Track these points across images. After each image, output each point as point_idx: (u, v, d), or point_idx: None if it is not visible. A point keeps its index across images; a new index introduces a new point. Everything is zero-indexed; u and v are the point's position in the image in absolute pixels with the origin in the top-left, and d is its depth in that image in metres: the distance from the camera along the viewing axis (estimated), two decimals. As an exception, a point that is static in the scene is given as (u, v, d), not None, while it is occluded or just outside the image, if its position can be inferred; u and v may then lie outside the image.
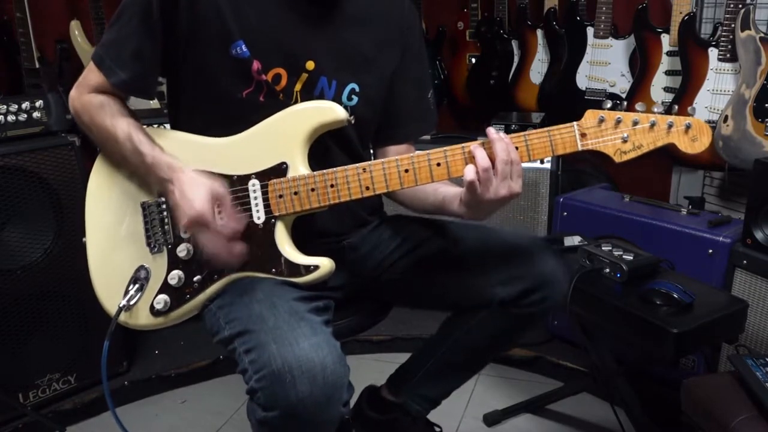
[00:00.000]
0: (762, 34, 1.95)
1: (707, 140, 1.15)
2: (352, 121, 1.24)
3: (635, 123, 1.16)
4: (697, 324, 1.50)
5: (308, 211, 1.22)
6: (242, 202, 1.22)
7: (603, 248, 1.77)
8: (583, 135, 1.17)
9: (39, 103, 1.92)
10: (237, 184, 1.22)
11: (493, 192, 1.14)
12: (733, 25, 2.03)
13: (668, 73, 2.30)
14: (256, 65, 1.24)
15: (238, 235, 1.17)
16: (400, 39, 1.39)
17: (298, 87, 1.28)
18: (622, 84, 2.48)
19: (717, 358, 1.90)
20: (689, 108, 1.18)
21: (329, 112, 1.22)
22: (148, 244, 1.27)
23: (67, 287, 1.96)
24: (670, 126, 1.15)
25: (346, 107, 1.25)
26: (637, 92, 2.37)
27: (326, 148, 1.30)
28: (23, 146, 1.86)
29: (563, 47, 2.61)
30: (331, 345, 1.06)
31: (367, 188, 1.21)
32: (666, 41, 2.28)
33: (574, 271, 1.66)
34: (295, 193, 1.21)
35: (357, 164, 1.21)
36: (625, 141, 1.16)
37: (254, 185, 1.22)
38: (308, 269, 1.20)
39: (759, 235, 1.76)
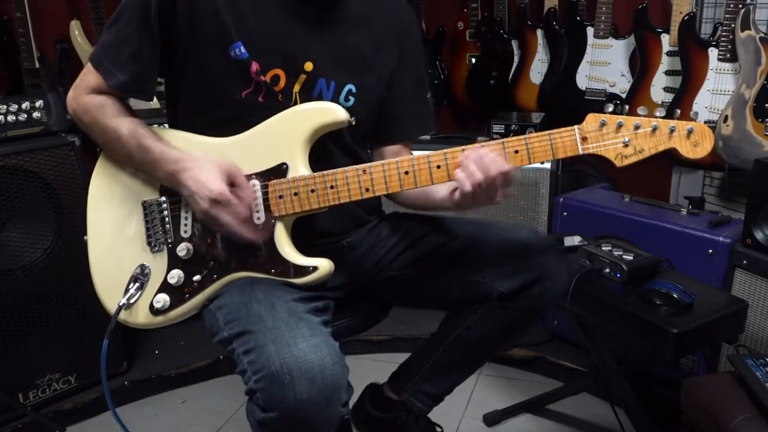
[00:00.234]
0: (762, 34, 1.95)
1: (709, 145, 1.14)
2: (353, 122, 1.25)
3: (637, 127, 1.15)
4: (697, 324, 1.50)
5: (308, 212, 1.23)
6: None
7: (603, 248, 1.77)
8: (584, 139, 1.17)
9: (39, 103, 1.92)
10: None
11: (487, 200, 1.17)
12: (733, 25, 2.03)
13: (668, 73, 2.30)
14: (254, 66, 1.24)
15: (255, 207, 1.18)
16: (397, 40, 1.40)
17: (296, 88, 1.28)
18: (622, 84, 2.48)
19: (717, 358, 1.90)
20: (692, 113, 1.18)
21: (330, 113, 1.22)
22: (149, 243, 1.27)
23: (67, 287, 1.96)
24: (672, 130, 1.14)
25: (343, 108, 1.25)
26: (637, 92, 2.37)
27: (324, 148, 1.30)
28: (23, 146, 1.86)
29: (563, 47, 2.62)
30: (330, 345, 1.07)
31: (367, 190, 1.21)
32: (666, 41, 2.28)
33: (574, 271, 1.66)
34: (295, 194, 1.21)
35: (357, 166, 1.21)
36: (626, 145, 1.15)
37: (254, 185, 1.22)
38: (307, 270, 1.20)
39: (759, 235, 1.76)
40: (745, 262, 1.79)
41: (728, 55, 2.09)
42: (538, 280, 1.31)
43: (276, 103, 1.26)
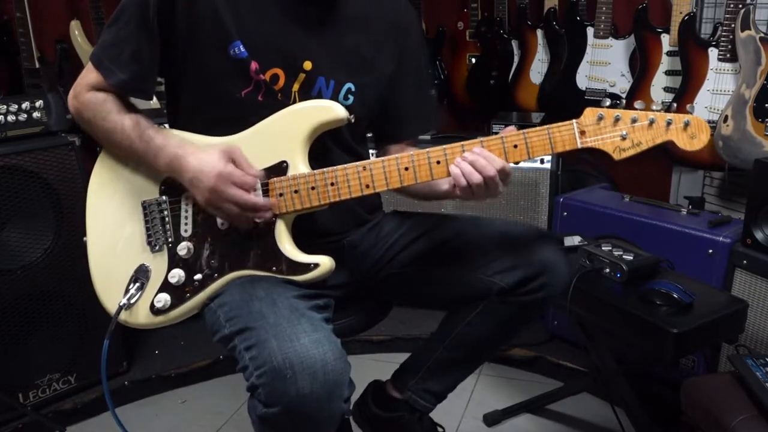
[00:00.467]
0: (762, 34, 1.95)
1: (706, 137, 1.16)
2: (352, 120, 1.25)
3: (634, 120, 1.16)
4: (697, 324, 1.50)
5: (309, 210, 1.23)
6: None
7: (603, 248, 1.77)
8: (582, 132, 1.18)
9: (39, 103, 1.92)
10: None
11: (488, 195, 1.19)
12: (733, 25, 2.03)
13: (668, 73, 2.30)
14: (254, 65, 1.24)
15: (257, 186, 1.19)
16: (397, 40, 1.40)
17: (296, 87, 1.28)
18: (622, 84, 2.48)
19: (717, 358, 1.90)
20: (688, 106, 1.18)
21: (329, 111, 1.22)
22: (149, 243, 1.27)
23: (67, 287, 1.96)
24: (669, 123, 1.16)
25: (342, 106, 1.25)
26: (637, 92, 2.37)
27: (324, 146, 1.30)
28: (23, 146, 1.86)
29: (563, 47, 2.62)
30: (331, 341, 1.07)
31: (367, 186, 1.21)
32: (666, 41, 2.28)
33: (574, 271, 1.66)
34: (296, 192, 1.21)
35: (357, 162, 1.21)
36: (624, 138, 1.17)
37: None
38: (308, 267, 1.20)
39: (759, 235, 1.76)
40: (745, 262, 1.79)
41: (728, 55, 2.09)
42: (538, 274, 1.32)
43: (275, 102, 1.26)
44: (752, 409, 1.37)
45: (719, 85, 2.12)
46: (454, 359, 1.48)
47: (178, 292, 1.25)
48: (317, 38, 1.29)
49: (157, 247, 1.26)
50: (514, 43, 2.87)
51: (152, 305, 1.25)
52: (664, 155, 2.34)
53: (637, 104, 1.18)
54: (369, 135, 1.50)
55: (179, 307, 1.25)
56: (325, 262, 1.21)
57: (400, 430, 1.52)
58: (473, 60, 3.04)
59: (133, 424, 1.97)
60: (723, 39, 2.08)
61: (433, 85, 1.56)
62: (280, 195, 1.21)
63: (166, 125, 1.36)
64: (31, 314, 1.91)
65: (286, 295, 1.16)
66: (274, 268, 1.22)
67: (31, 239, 1.90)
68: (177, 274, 1.24)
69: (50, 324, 1.96)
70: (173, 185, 1.25)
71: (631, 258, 1.71)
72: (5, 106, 1.85)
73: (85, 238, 1.31)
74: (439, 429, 1.61)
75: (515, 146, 1.18)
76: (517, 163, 1.23)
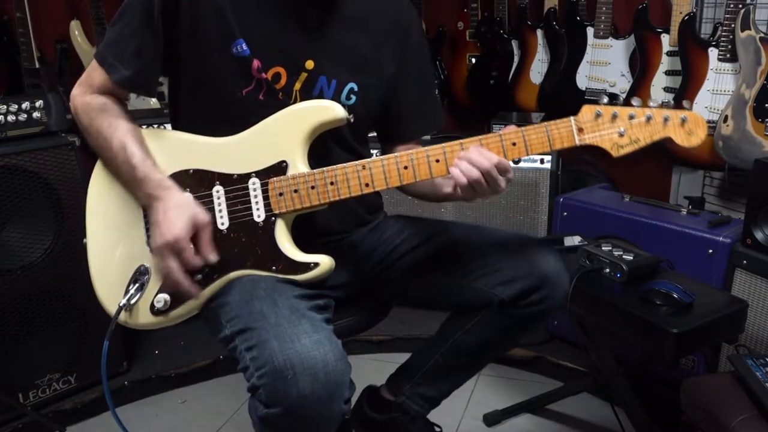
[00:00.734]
0: (762, 34, 1.95)
1: (703, 133, 1.16)
2: (352, 120, 1.25)
3: (631, 117, 1.17)
4: (697, 324, 1.50)
5: (308, 209, 1.23)
6: (242, 200, 1.22)
7: (603, 248, 1.77)
8: (580, 129, 1.19)
9: (39, 103, 1.92)
10: (237, 182, 1.23)
11: (491, 191, 1.18)
12: (733, 25, 2.03)
13: (668, 73, 2.30)
14: (256, 64, 1.24)
15: (199, 268, 1.18)
16: (399, 40, 1.40)
17: (297, 86, 1.28)
18: (622, 84, 2.48)
19: (717, 358, 1.90)
20: (685, 101, 1.19)
21: (329, 111, 1.22)
22: (149, 244, 1.27)
23: (67, 287, 1.96)
24: (666, 120, 1.16)
25: (344, 106, 1.26)
26: (637, 92, 2.37)
27: (324, 146, 1.30)
28: (23, 146, 1.86)
29: (563, 47, 2.61)
30: (332, 342, 1.07)
31: (367, 185, 1.21)
32: (666, 41, 2.28)
33: (574, 271, 1.66)
34: (295, 191, 1.21)
35: (356, 161, 1.21)
36: (621, 135, 1.17)
37: (254, 184, 1.22)
38: (308, 267, 1.20)
39: (759, 235, 1.76)
40: (745, 262, 1.79)
41: (728, 55, 2.09)
42: (538, 286, 1.31)
43: (276, 101, 1.27)
44: (752, 409, 1.37)
45: (719, 85, 2.12)
46: (450, 366, 1.47)
47: (178, 293, 1.25)
48: (319, 38, 1.30)
49: None
50: (514, 43, 2.87)
51: (152, 306, 1.25)
52: (664, 155, 2.34)
53: (635, 101, 1.18)
54: (371, 135, 1.50)
55: (179, 308, 1.25)
56: (324, 261, 1.21)
57: (394, 431, 1.52)
58: (473, 60, 3.04)
59: (133, 424, 1.97)
60: (723, 39, 2.08)
61: (435, 85, 1.56)
62: (280, 194, 1.21)
63: (168, 126, 1.36)
64: (31, 314, 1.91)
65: (286, 295, 1.16)
66: (273, 267, 1.21)
67: (31, 239, 1.90)
68: None
69: (50, 324, 1.96)
70: None
71: (631, 258, 1.71)
72: (5, 106, 1.85)
73: (84, 240, 1.31)
74: (436, 429, 1.61)
75: (514, 144, 1.19)
76: (516, 162, 1.24)
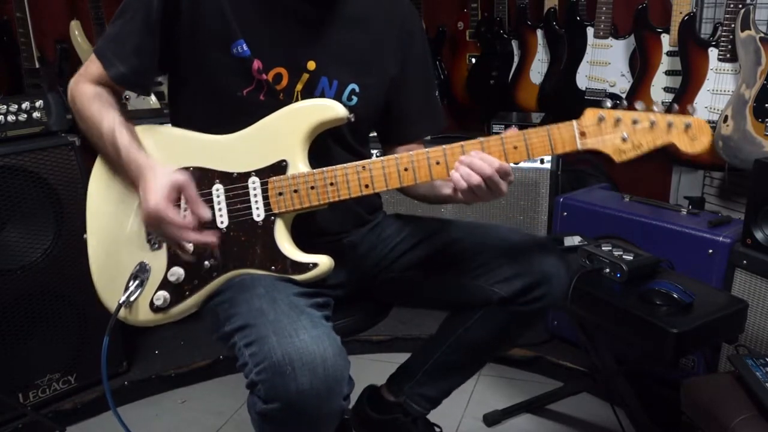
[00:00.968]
0: (762, 34, 1.95)
1: (707, 140, 1.15)
2: (353, 119, 1.25)
3: (635, 122, 1.15)
4: (697, 324, 1.50)
5: (308, 209, 1.23)
6: (242, 199, 1.22)
7: (603, 248, 1.77)
8: (582, 134, 1.17)
9: (39, 103, 1.92)
10: (237, 181, 1.23)
11: (492, 195, 1.18)
12: (733, 25, 2.03)
13: (668, 73, 2.30)
14: (256, 64, 1.24)
15: (205, 223, 1.16)
16: (401, 43, 1.40)
17: (299, 87, 1.28)
18: (622, 84, 2.48)
19: (717, 358, 1.90)
20: (689, 106, 1.18)
21: (329, 110, 1.22)
22: (149, 241, 1.27)
23: (66, 287, 1.96)
24: (670, 125, 1.15)
25: (345, 107, 1.26)
26: (637, 92, 2.37)
27: (324, 145, 1.30)
28: (23, 146, 1.86)
29: (563, 47, 2.61)
30: (331, 338, 1.07)
31: (367, 186, 1.21)
32: (666, 41, 2.28)
33: (574, 271, 1.66)
34: (295, 191, 1.21)
35: (356, 162, 1.21)
36: (624, 140, 1.16)
37: (254, 183, 1.22)
38: (307, 267, 1.21)
39: (759, 235, 1.76)
40: (745, 262, 1.79)
41: (728, 55, 2.09)
42: (538, 283, 1.31)
43: (277, 101, 1.27)
44: (752, 409, 1.37)
45: (719, 85, 2.12)
46: (451, 364, 1.47)
47: (178, 290, 1.25)
48: (321, 38, 1.30)
49: (156, 245, 1.26)
50: (514, 43, 2.87)
51: (152, 303, 1.25)
52: (664, 155, 2.33)
53: (638, 105, 1.17)
54: (372, 135, 1.50)
55: (178, 305, 1.25)
56: (324, 262, 1.21)
57: (395, 431, 1.52)
58: (473, 60, 3.04)
59: (133, 424, 1.95)
60: (723, 39, 2.08)
61: (437, 86, 1.55)
62: (279, 194, 1.21)
63: (169, 125, 1.36)
64: (31, 314, 1.91)
65: (285, 293, 1.16)
66: (273, 267, 1.22)
67: (31, 239, 1.90)
68: (176, 273, 1.24)
69: (50, 324, 1.96)
70: None
71: (631, 258, 1.71)
72: (5, 106, 1.85)
73: (85, 236, 1.32)
74: (436, 429, 1.61)
75: (515, 147, 1.18)
76: (516, 162, 1.23)
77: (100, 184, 1.32)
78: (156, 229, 1.16)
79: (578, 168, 2.58)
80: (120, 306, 1.25)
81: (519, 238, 1.40)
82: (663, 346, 1.48)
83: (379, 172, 1.20)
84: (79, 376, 2.04)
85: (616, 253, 1.74)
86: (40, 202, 1.90)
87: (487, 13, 2.96)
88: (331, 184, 1.21)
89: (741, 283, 1.81)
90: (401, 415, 1.51)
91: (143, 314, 1.26)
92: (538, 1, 2.74)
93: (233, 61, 1.24)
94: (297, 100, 1.28)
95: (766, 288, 1.76)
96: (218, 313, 1.19)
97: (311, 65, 1.28)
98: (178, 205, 1.16)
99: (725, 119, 2.03)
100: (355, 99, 1.33)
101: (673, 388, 1.80)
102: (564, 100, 2.62)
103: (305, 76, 1.28)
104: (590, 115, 1.17)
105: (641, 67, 2.36)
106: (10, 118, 1.86)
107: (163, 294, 1.25)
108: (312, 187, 1.21)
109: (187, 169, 1.24)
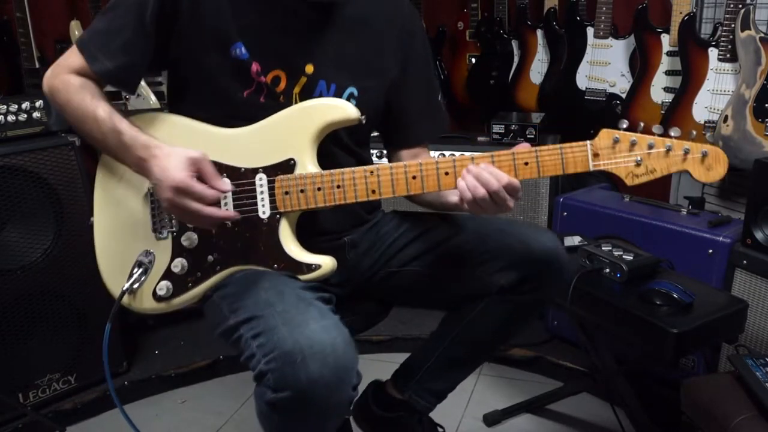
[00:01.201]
0: (762, 34, 1.95)
1: (723, 170, 1.13)
2: (364, 121, 1.24)
3: (650, 147, 1.13)
4: (697, 324, 1.50)
5: (312, 210, 1.23)
6: (248, 195, 1.22)
7: (603, 248, 1.77)
8: (595, 155, 1.15)
9: (39, 103, 1.92)
10: (244, 176, 1.23)
11: (498, 209, 1.17)
12: (733, 25, 2.03)
13: (668, 73, 2.30)
14: (255, 67, 1.24)
15: (223, 197, 1.16)
16: (401, 45, 1.40)
17: (296, 90, 1.28)
18: (622, 84, 2.48)
19: (717, 358, 1.90)
20: (708, 135, 1.15)
21: (340, 110, 1.22)
22: (154, 230, 1.28)
23: (66, 287, 1.96)
24: (687, 152, 1.13)
25: None
26: (637, 92, 2.37)
27: (325, 148, 1.30)
28: (23, 146, 1.86)
29: (563, 47, 2.62)
30: (340, 328, 1.07)
31: (374, 191, 1.21)
32: (666, 41, 2.28)
33: (574, 271, 1.66)
34: (302, 191, 1.21)
35: (365, 167, 1.21)
36: (638, 164, 1.14)
37: (261, 179, 1.22)
38: (310, 268, 1.21)
39: (759, 235, 1.76)
40: (745, 262, 1.79)
41: (728, 55, 2.09)
42: (537, 272, 1.31)
43: (277, 104, 1.26)
44: (752, 409, 1.37)
45: (719, 85, 2.12)
46: (454, 358, 1.48)
47: (180, 281, 1.25)
48: (320, 42, 1.29)
49: (161, 235, 1.27)
50: (514, 43, 2.87)
51: (154, 292, 1.26)
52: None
53: (655, 128, 1.14)
54: (373, 134, 1.50)
55: (180, 296, 1.26)
56: (326, 263, 1.21)
57: (400, 430, 1.52)
58: (473, 60, 3.04)
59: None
60: (723, 39, 2.08)
61: (440, 88, 1.55)
62: (286, 193, 1.21)
63: (174, 114, 1.36)
64: (31, 314, 1.91)
65: (292, 286, 1.17)
66: (276, 265, 1.22)
67: (31, 239, 1.90)
68: (180, 264, 1.25)
69: (50, 324, 1.96)
70: None
71: (631, 258, 1.71)
72: (5, 106, 1.85)
73: (91, 219, 1.32)
74: (439, 429, 1.61)
75: (526, 164, 1.17)
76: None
77: (108, 169, 1.32)
78: (177, 206, 1.12)
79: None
80: (123, 292, 1.26)
81: (517, 227, 1.40)
82: (663, 346, 1.48)
83: (387, 178, 1.20)
84: (79, 376, 2.04)
85: (616, 253, 1.74)
86: (40, 202, 1.90)
87: (487, 13, 2.96)
88: (338, 186, 1.20)
89: (741, 283, 1.82)
90: (406, 413, 1.51)
91: (147, 302, 1.27)
92: (538, 1, 2.74)
93: (232, 64, 1.24)
94: (296, 103, 1.28)
95: (766, 288, 1.76)
96: (222, 306, 1.20)
97: (309, 68, 1.28)
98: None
99: (725, 119, 2.03)
100: (354, 102, 1.32)
101: (673, 388, 1.80)
102: (564, 100, 2.62)
103: (303, 79, 1.28)
104: (605, 136, 1.15)
105: (641, 67, 2.36)
106: (10, 118, 1.86)
107: (166, 284, 1.25)
108: (319, 189, 1.21)
109: None
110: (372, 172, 1.20)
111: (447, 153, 2.24)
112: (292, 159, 1.21)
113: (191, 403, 2.18)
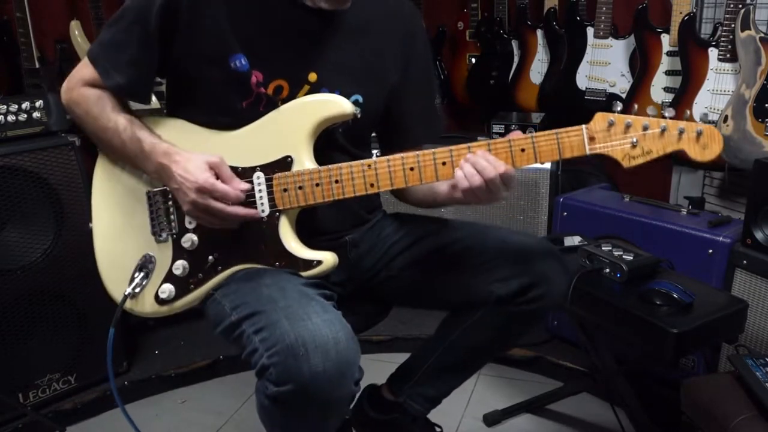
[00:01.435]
0: (762, 34, 1.95)
1: (718, 148, 1.14)
2: (359, 115, 1.25)
3: (645, 128, 1.14)
4: (697, 324, 1.50)
5: (312, 206, 1.23)
6: (247, 194, 1.22)
7: (603, 248, 1.77)
8: (591, 138, 1.16)
9: (39, 103, 1.92)
10: (242, 176, 1.23)
11: (491, 198, 1.17)
12: (733, 25, 2.03)
13: (668, 73, 2.30)
14: (254, 78, 1.24)
15: (242, 198, 1.19)
16: (403, 47, 1.39)
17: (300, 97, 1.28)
18: (622, 84, 2.48)
19: (717, 358, 1.90)
20: (701, 114, 1.16)
21: (335, 105, 1.22)
22: (154, 233, 1.28)
23: (66, 287, 1.96)
24: (681, 132, 1.13)
25: None
26: (637, 92, 2.37)
27: (325, 150, 1.30)
28: (23, 146, 1.86)
29: (563, 47, 2.62)
30: (342, 323, 1.08)
31: (372, 185, 1.21)
32: (666, 41, 2.28)
33: (574, 271, 1.66)
34: (300, 188, 1.21)
35: (362, 161, 1.21)
36: (634, 146, 1.14)
37: (259, 178, 1.22)
38: (311, 264, 1.21)
39: (759, 235, 1.76)
40: (745, 262, 1.79)
41: (728, 55, 2.09)
42: (536, 284, 1.31)
43: None
44: (752, 409, 1.37)
45: (719, 85, 2.12)
46: (450, 364, 1.48)
47: (182, 284, 1.26)
48: (323, 50, 1.29)
49: (161, 238, 1.27)
50: (514, 43, 2.87)
51: (157, 295, 1.26)
52: (667, 156, 2.33)
53: (649, 110, 1.15)
54: (373, 135, 1.50)
55: (183, 298, 1.26)
56: (328, 259, 1.22)
57: (395, 431, 1.52)
58: (473, 60, 3.04)
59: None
60: (723, 39, 2.08)
61: (438, 91, 1.55)
62: (284, 190, 1.21)
63: (173, 117, 1.36)
64: (31, 314, 1.91)
65: (293, 282, 1.17)
66: (277, 263, 1.22)
67: (31, 239, 1.89)
68: (181, 266, 1.25)
69: (50, 324, 1.95)
70: None
71: (631, 258, 1.71)
72: (5, 106, 1.85)
73: (90, 225, 1.32)
74: (437, 429, 1.61)
75: (522, 150, 1.17)
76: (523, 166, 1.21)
77: (106, 175, 1.32)
78: (201, 207, 1.16)
79: (578, 168, 2.58)
80: (126, 297, 1.26)
81: (518, 238, 1.40)
82: (663, 346, 1.48)
83: (384, 171, 1.20)
84: (79, 376, 2.03)
85: (616, 253, 1.74)
86: (40, 202, 1.90)
87: (487, 13, 2.96)
88: (336, 181, 1.21)
89: (741, 283, 1.82)
90: (401, 415, 1.51)
91: (149, 306, 1.27)
92: (538, 1, 2.74)
93: (231, 75, 1.24)
94: None
95: (766, 288, 1.76)
96: (224, 304, 1.20)
97: (312, 77, 1.28)
98: None
99: (725, 119, 2.03)
100: (358, 109, 1.32)
101: (673, 388, 1.80)
102: (564, 100, 2.62)
103: (306, 87, 1.28)
104: (600, 119, 1.15)
105: (641, 67, 2.36)
106: (10, 118, 1.86)
107: (168, 287, 1.25)
108: (317, 184, 1.21)
109: None
110: (369, 165, 1.20)
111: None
112: (289, 156, 1.22)
113: (191, 403, 2.18)
